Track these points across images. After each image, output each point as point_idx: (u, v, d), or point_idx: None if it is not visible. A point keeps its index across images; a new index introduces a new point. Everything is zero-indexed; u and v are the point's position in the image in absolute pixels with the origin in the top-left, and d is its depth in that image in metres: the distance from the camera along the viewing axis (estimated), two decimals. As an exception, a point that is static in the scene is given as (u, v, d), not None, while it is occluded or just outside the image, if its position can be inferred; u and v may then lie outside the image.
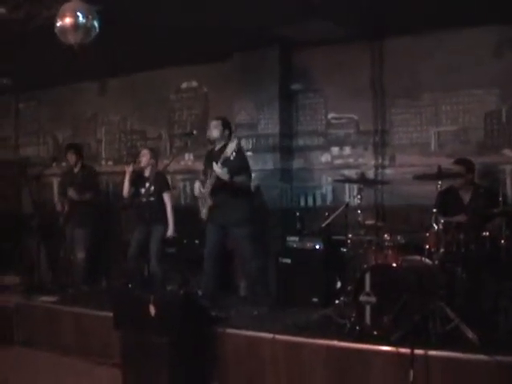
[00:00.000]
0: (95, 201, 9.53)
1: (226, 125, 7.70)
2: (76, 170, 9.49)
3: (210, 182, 7.36)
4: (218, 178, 7.22)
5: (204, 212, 7.53)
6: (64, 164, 10.25)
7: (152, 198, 8.26)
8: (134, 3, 6.97)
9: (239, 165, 7.34)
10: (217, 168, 7.11)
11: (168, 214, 8.32)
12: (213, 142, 7.74)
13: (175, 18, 7.47)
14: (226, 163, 7.11)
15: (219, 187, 7.29)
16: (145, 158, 8.46)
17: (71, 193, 9.15)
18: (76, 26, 6.12)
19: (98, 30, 6.30)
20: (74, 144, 10.04)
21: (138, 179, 8.41)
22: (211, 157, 7.61)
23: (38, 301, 8.32)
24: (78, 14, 6.11)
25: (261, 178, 8.86)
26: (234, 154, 7.03)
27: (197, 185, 7.68)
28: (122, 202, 8.99)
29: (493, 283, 6.21)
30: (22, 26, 7.50)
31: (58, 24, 6.18)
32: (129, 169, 8.37)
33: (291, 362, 6.11)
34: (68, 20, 6.12)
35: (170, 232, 8.30)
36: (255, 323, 6.77)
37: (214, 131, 7.62)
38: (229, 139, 7.61)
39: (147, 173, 8.45)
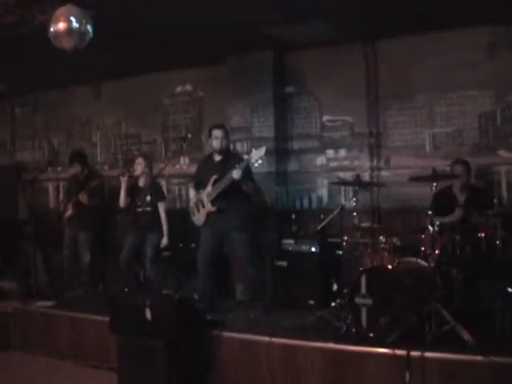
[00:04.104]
0: (101, 206, 9.56)
1: (228, 134, 7.69)
2: (82, 177, 9.47)
3: (214, 190, 7.31)
4: (228, 185, 7.18)
5: (198, 217, 7.54)
6: (59, 169, 10.20)
7: (148, 208, 8.30)
8: (127, 7, 6.97)
9: (250, 172, 7.36)
10: (237, 174, 6.99)
11: (162, 224, 8.34)
12: (219, 151, 7.53)
13: (169, 22, 7.47)
14: (245, 170, 7.09)
15: (224, 193, 7.26)
16: (140, 166, 8.45)
17: (82, 197, 9.12)
18: (70, 30, 6.10)
19: (91, 35, 6.28)
20: (78, 153, 9.96)
21: (133, 188, 8.41)
22: (212, 165, 7.58)
23: (35, 306, 8.30)
24: (72, 18, 6.09)
25: (256, 181, 8.86)
26: (259, 161, 7.02)
27: (192, 192, 7.68)
28: (117, 210, 8.97)
29: (488, 284, 6.23)
30: (16, 31, 7.49)
31: (52, 29, 6.16)
32: (124, 179, 8.35)
33: (287, 364, 6.11)
34: (62, 25, 6.09)
35: (165, 241, 8.31)
36: (251, 326, 6.78)
37: (223, 141, 7.50)
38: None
39: (142, 182, 8.46)
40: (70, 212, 9.28)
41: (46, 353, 7.79)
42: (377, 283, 6.05)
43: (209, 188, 7.40)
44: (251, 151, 7.17)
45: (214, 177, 7.35)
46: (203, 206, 7.46)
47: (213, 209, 7.35)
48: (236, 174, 6.99)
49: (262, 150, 6.97)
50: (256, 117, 9.13)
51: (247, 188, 7.25)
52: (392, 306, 5.79)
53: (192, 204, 7.66)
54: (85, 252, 9.26)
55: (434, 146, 8.31)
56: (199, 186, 7.61)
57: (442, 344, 5.52)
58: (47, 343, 7.89)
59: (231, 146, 8.24)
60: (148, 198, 8.24)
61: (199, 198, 7.52)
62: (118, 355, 6.53)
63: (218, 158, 7.57)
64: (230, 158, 7.49)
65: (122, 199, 8.40)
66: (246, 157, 7.21)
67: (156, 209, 8.35)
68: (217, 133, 7.49)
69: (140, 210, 8.29)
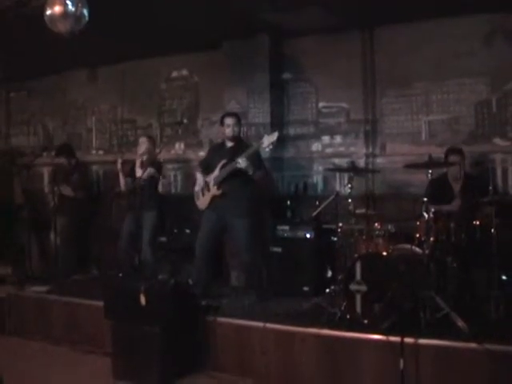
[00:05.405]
0: (87, 198, 9.72)
1: (240, 121, 7.69)
2: (69, 168, 9.55)
3: (220, 174, 7.35)
4: (232, 171, 7.22)
5: (202, 200, 7.54)
6: (53, 153, 10.24)
7: (144, 183, 8.18)
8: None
9: (259, 159, 7.41)
10: (242, 163, 7.06)
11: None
12: (231, 138, 7.54)
13: (166, 6, 7.43)
14: (251, 157, 7.13)
15: (230, 178, 7.30)
16: (144, 145, 8.46)
17: (66, 191, 9.22)
18: (65, 14, 6.08)
19: (87, 19, 6.25)
20: (63, 146, 10.20)
21: (133, 169, 8.39)
22: (222, 151, 7.59)
23: (30, 291, 8.31)
24: (68, 2, 6.06)
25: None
26: (271, 146, 7.06)
27: (199, 176, 7.69)
28: (113, 191, 8.97)
29: (483, 272, 6.26)
30: (11, 15, 7.45)
31: (48, 12, 6.13)
32: (119, 162, 8.37)
33: (282, 350, 6.13)
34: (57, 8, 6.06)
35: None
36: (246, 312, 6.81)
37: (235, 129, 7.51)
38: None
39: (144, 158, 8.42)
40: (56, 202, 9.36)
41: (41, 338, 7.78)
42: (371, 270, 6.05)
43: (216, 172, 7.43)
44: (263, 136, 7.23)
45: (223, 161, 7.39)
46: (208, 190, 7.49)
47: (218, 192, 7.38)
48: (241, 162, 7.05)
49: (274, 136, 7.03)
50: (252, 102, 9.10)
51: (255, 176, 7.27)
52: (386, 293, 5.79)
53: (197, 188, 7.67)
54: (60, 236, 9.36)
55: (429, 134, 8.31)
56: (207, 170, 7.63)
57: (436, 331, 5.53)
58: (42, 328, 7.89)
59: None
60: (145, 173, 8.16)
61: (205, 181, 7.54)
62: (112, 340, 6.55)
63: (229, 144, 7.60)
64: (241, 144, 7.52)
65: (122, 181, 8.42)
66: (254, 144, 7.33)
67: (152, 186, 8.30)
68: (229, 120, 7.52)
69: (137, 185, 8.14)
